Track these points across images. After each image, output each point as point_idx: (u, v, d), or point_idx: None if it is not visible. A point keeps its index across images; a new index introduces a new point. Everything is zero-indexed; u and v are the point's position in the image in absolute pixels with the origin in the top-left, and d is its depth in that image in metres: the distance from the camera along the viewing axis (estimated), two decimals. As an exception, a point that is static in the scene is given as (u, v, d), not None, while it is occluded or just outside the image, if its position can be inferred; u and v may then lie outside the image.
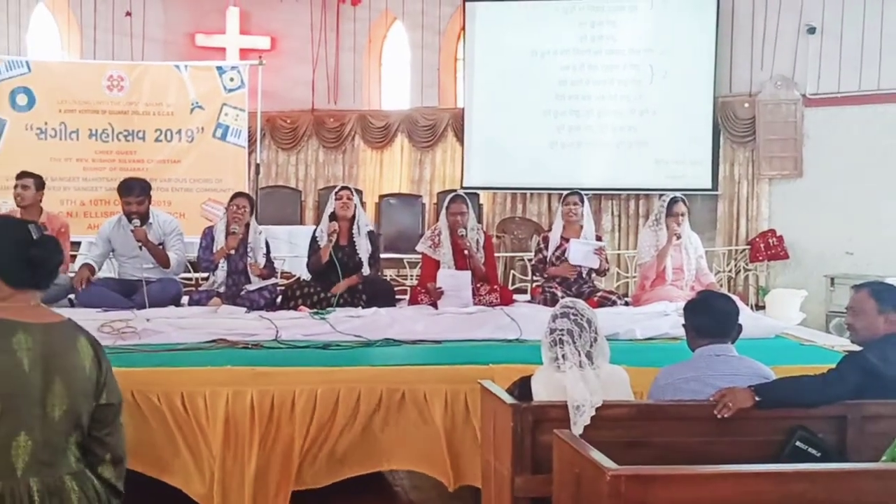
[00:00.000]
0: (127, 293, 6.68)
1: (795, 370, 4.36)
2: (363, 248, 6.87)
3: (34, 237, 2.63)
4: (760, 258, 10.93)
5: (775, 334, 6.20)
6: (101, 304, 6.45)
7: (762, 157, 11.15)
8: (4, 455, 2.47)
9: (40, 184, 6.94)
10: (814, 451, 3.51)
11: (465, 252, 6.89)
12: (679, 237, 7.01)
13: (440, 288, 6.72)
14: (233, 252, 6.79)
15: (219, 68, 10.21)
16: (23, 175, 6.92)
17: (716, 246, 11.01)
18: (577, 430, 3.47)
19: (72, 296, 6.74)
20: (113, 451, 2.69)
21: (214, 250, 6.85)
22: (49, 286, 2.73)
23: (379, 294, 6.83)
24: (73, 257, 7.37)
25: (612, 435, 3.48)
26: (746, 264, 11.08)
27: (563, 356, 3.76)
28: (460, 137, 12.04)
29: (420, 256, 7.31)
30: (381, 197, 11.85)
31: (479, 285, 6.89)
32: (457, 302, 6.64)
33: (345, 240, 6.89)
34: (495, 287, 7.01)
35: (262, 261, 6.86)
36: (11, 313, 2.56)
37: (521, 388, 3.90)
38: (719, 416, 3.55)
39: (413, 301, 6.91)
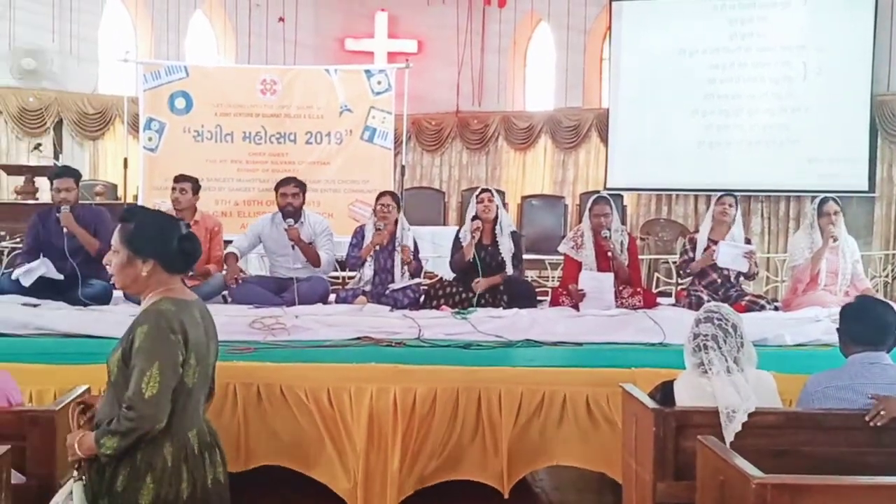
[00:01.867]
0: (277, 290, 6.88)
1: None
2: (506, 249, 6.89)
3: (184, 232, 3.11)
4: (920, 263, 10.46)
5: (934, 342, 5.91)
6: (253, 301, 6.68)
7: (923, 158, 10.69)
8: (197, 408, 3.07)
9: (197, 187, 7.19)
10: (975, 466, 3.35)
11: (609, 254, 6.82)
12: (836, 239, 6.76)
13: (582, 290, 6.67)
14: (378, 248, 6.92)
15: (367, 72, 10.40)
16: (181, 178, 7.18)
17: (872, 250, 10.59)
18: (729, 436, 3.41)
19: (225, 293, 6.99)
20: (215, 390, 3.32)
21: (364, 248, 6.99)
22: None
23: (520, 295, 6.83)
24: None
25: (758, 443, 3.41)
26: (905, 269, 10.62)
27: (709, 362, 3.69)
28: (604, 138, 11.97)
29: (562, 257, 7.27)
30: (524, 198, 11.86)
31: (621, 288, 6.80)
32: (599, 304, 6.58)
33: (488, 239, 6.93)
34: (638, 290, 6.90)
35: (402, 257, 6.96)
36: (180, 294, 3.09)
37: (664, 393, 3.85)
38: (872, 425, 3.43)
39: (554, 302, 6.88)
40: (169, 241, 3.05)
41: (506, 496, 4.80)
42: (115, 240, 3.08)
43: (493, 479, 4.84)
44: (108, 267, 3.14)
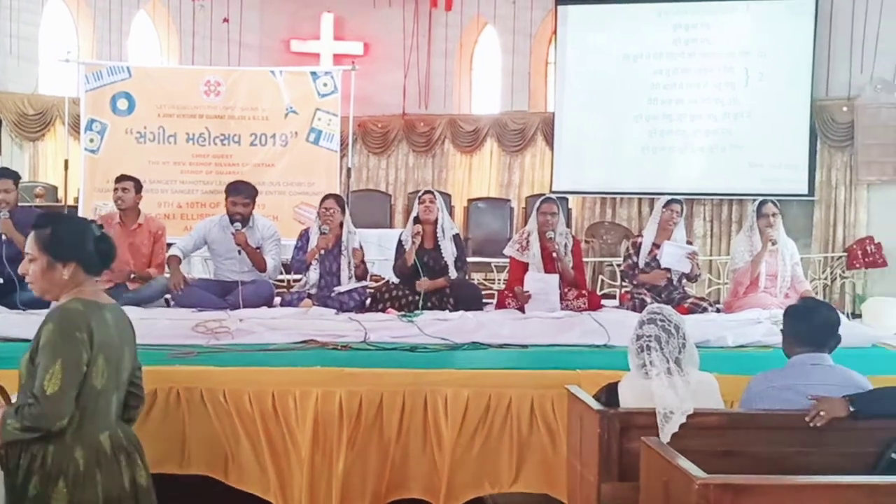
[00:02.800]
0: (222, 294, 6.82)
1: (892, 380, 4.24)
2: (448, 253, 6.90)
3: (98, 234, 3.16)
4: (857, 265, 10.66)
5: (872, 343, 6.02)
6: (197, 305, 6.60)
7: (860, 162, 10.90)
8: (108, 410, 3.07)
9: (139, 187, 7.11)
10: (910, 464, 3.42)
11: (554, 255, 6.87)
12: (775, 243, 6.87)
13: (527, 292, 6.70)
14: (323, 252, 6.88)
15: (313, 74, 10.33)
16: (122, 178, 7.09)
17: (811, 252, 10.78)
18: (665, 437, 3.44)
19: (168, 296, 6.91)
20: (144, 397, 3.40)
21: (308, 251, 6.96)
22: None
23: (466, 298, 6.85)
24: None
25: (701, 444, 3.44)
26: (843, 272, 10.82)
27: (650, 363, 3.72)
28: (550, 142, 12.03)
29: (507, 260, 7.30)
30: (470, 201, 11.89)
31: (567, 290, 6.85)
32: (544, 306, 6.62)
33: (430, 243, 6.93)
34: (583, 292, 6.96)
35: (355, 260, 6.94)
36: (92, 295, 3.11)
37: (609, 395, 3.88)
38: (812, 426, 3.48)
39: (500, 305, 6.90)
40: (87, 242, 3.11)
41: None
42: (32, 247, 3.10)
43: (436, 497, 4.82)
44: (26, 277, 3.14)
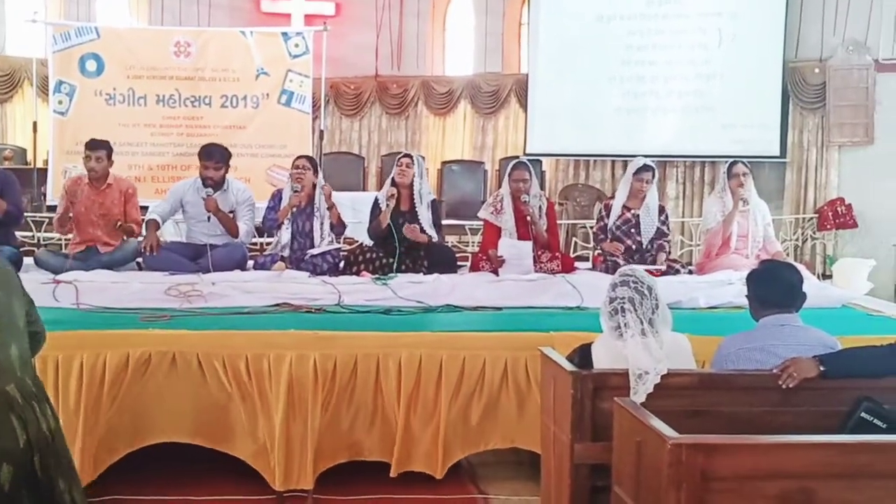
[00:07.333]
0: (193, 257, 6.77)
1: (862, 340, 4.26)
2: (424, 217, 6.88)
3: None
4: (828, 227, 10.74)
5: (842, 304, 6.10)
6: (168, 268, 6.56)
7: (832, 124, 10.93)
8: (7, 363, 3.02)
9: (110, 153, 6.92)
10: (879, 423, 3.44)
11: (528, 219, 6.86)
12: (746, 202, 6.90)
13: (501, 257, 6.71)
14: (295, 210, 6.85)
15: (284, 34, 10.26)
16: (95, 146, 6.82)
17: (783, 214, 10.84)
18: (639, 398, 3.45)
19: (139, 259, 6.85)
20: (44, 331, 3.37)
21: (280, 209, 6.93)
22: None
23: (440, 260, 6.85)
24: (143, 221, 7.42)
25: (673, 404, 3.46)
26: (814, 233, 10.90)
27: (624, 324, 3.73)
28: (523, 103, 11.97)
29: (482, 223, 7.29)
30: (444, 163, 11.84)
31: (540, 252, 6.86)
32: (518, 270, 6.62)
33: (406, 206, 6.91)
34: (557, 254, 6.97)
35: (327, 224, 6.91)
36: None
37: (582, 356, 3.89)
38: (783, 387, 3.51)
39: (474, 268, 6.91)
40: None
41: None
42: None
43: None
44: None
